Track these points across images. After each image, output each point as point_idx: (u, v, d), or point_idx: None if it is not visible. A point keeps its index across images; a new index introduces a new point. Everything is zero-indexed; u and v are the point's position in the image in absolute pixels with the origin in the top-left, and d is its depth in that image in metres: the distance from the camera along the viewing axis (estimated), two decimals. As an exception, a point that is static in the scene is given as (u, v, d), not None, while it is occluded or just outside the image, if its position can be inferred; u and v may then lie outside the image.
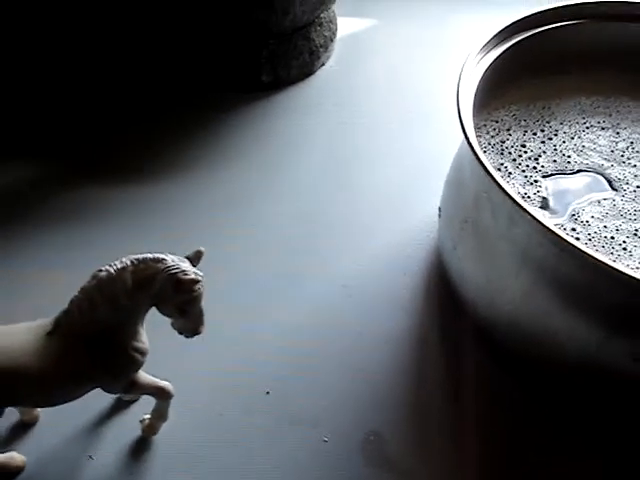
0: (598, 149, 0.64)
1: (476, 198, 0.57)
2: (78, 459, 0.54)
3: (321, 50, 0.86)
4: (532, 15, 0.66)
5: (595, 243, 0.57)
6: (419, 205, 0.71)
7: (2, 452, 0.52)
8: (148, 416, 0.54)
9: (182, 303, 0.46)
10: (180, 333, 0.48)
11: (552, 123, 0.66)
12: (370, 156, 0.79)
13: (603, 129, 0.66)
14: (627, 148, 0.65)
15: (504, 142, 0.64)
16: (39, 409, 0.54)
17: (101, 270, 0.45)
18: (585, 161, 0.63)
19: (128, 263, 0.45)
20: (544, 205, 0.60)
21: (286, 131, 0.81)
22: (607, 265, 0.46)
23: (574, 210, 0.59)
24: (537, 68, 0.68)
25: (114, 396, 0.56)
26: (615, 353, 0.50)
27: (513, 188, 0.61)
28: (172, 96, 0.82)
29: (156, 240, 0.68)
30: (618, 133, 0.66)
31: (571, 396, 0.57)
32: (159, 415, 0.54)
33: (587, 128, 0.66)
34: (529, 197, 0.60)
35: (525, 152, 0.64)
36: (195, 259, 0.47)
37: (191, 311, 0.47)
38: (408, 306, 0.65)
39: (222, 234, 0.70)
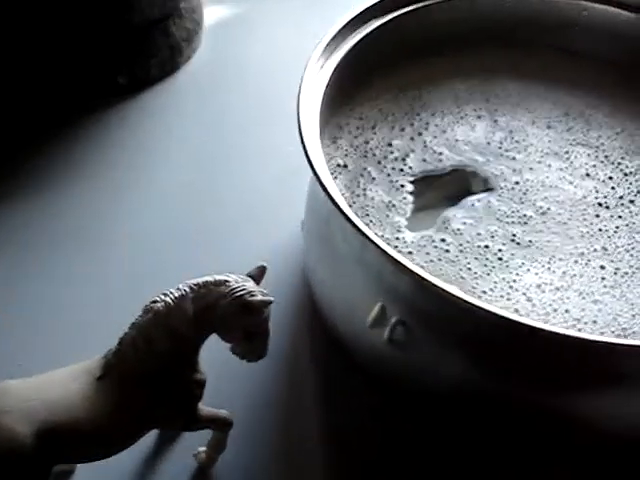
0: (473, 142, 0.58)
1: (328, 216, 0.50)
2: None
3: (184, 44, 0.78)
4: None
5: (467, 255, 0.50)
6: (289, 215, 0.64)
7: None
8: (203, 448, 0.49)
9: (249, 327, 0.42)
10: (242, 358, 0.44)
11: (423, 115, 0.59)
12: (241, 161, 0.71)
13: (479, 117, 0.60)
14: (505, 138, 0.58)
15: (368, 142, 0.57)
16: None
17: (156, 301, 0.41)
18: (458, 157, 0.57)
19: (187, 290, 0.41)
20: (410, 214, 0.53)
21: (146, 137, 0.73)
22: (452, 295, 0.39)
23: (445, 217, 0.53)
24: (405, 52, 0.61)
25: (155, 433, 0.50)
26: (480, 384, 0.44)
27: (377, 195, 0.54)
28: (18, 110, 0.73)
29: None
30: (496, 121, 0.59)
31: (448, 423, 0.51)
32: (218, 446, 0.48)
33: (461, 118, 0.59)
34: (394, 206, 0.53)
35: (391, 152, 0.57)
36: (258, 276, 0.43)
37: (258, 334, 0.42)
38: (277, 328, 0.57)
39: (74, 257, 0.62)
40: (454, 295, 0.39)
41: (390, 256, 0.41)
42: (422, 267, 0.49)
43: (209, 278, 0.42)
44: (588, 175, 0.56)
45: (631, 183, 0.55)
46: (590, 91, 0.61)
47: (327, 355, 0.56)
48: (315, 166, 0.45)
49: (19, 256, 0.62)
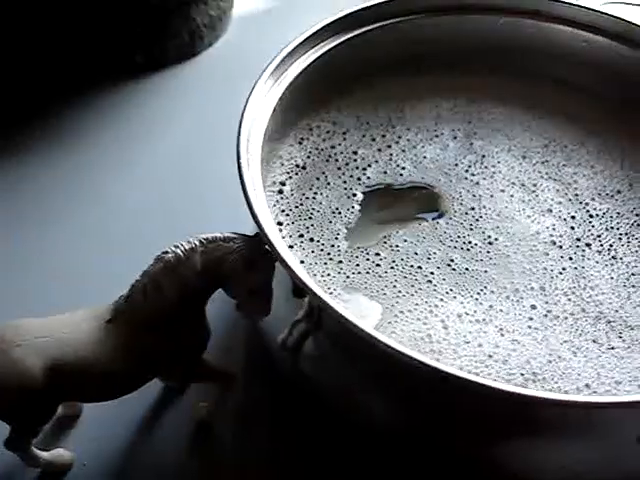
0: (440, 162, 0.56)
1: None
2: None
3: (205, 30, 0.79)
4: (384, 3, 0.58)
5: (396, 272, 0.49)
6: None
7: (48, 450, 0.48)
8: (205, 404, 0.51)
9: (253, 284, 0.43)
10: (246, 316, 0.47)
11: (398, 128, 0.58)
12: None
13: (455, 138, 0.58)
14: (475, 162, 0.57)
15: (334, 147, 0.57)
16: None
17: (167, 252, 0.43)
18: (420, 174, 0.56)
19: (197, 243, 0.43)
20: (354, 224, 0.52)
21: (151, 117, 0.75)
22: (337, 312, 0.39)
23: (387, 232, 0.52)
24: (391, 64, 0.60)
25: (161, 386, 0.53)
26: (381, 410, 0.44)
27: (326, 200, 0.53)
28: (35, 80, 0.76)
29: None
30: (471, 144, 0.58)
31: (384, 455, 0.50)
32: (218, 401, 0.51)
33: (436, 136, 0.58)
34: (340, 213, 0.53)
35: (354, 160, 0.56)
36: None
37: (261, 292, 0.44)
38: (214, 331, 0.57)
39: (71, 226, 0.64)
40: (338, 313, 0.38)
41: (288, 266, 0.41)
42: (347, 277, 0.49)
43: (219, 234, 0.43)
44: (550, 211, 0.54)
45: (593, 226, 0.53)
46: (578, 126, 0.59)
47: (261, 368, 0.55)
48: (245, 183, 0.44)
49: (23, 206, 0.66)
